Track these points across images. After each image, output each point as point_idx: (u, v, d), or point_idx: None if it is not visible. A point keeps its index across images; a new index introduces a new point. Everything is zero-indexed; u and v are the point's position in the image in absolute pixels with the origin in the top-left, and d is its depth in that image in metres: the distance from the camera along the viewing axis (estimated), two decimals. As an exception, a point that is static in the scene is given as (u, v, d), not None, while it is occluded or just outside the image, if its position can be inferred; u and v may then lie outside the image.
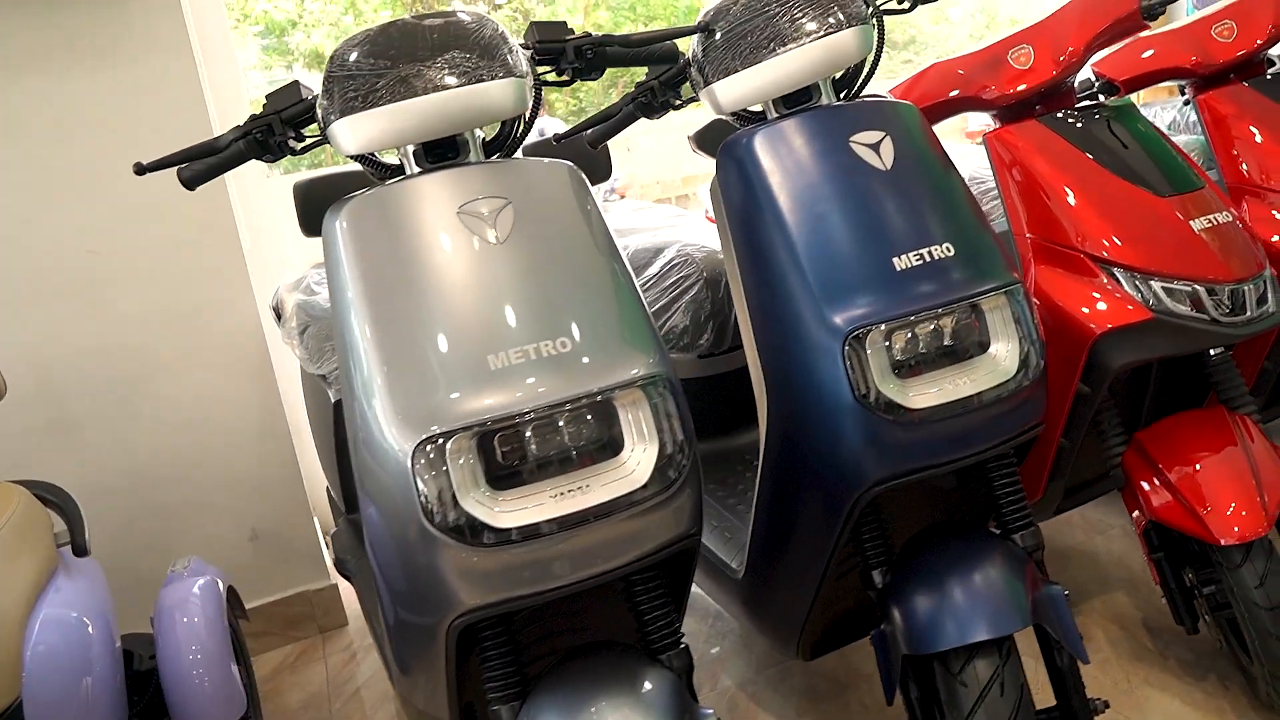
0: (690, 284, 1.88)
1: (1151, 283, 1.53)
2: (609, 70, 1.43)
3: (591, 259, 1.19)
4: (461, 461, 1.04)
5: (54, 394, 2.06)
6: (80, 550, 1.70)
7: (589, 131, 1.64)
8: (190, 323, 2.16)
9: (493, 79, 1.18)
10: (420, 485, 1.03)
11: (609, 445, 1.10)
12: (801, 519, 1.38)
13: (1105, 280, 1.55)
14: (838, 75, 1.43)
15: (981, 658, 1.17)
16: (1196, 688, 1.67)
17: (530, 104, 1.28)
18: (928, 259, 1.25)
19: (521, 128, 1.35)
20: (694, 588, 1.47)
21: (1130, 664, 1.76)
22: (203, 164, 1.33)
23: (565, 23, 1.36)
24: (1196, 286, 1.52)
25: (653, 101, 1.52)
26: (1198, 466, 1.50)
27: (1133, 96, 2.09)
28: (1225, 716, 1.60)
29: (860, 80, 1.45)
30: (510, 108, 1.20)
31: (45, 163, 2.02)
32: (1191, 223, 1.56)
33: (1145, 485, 1.55)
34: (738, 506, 1.91)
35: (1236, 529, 1.40)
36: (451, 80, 1.17)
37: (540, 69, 1.38)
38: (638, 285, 1.25)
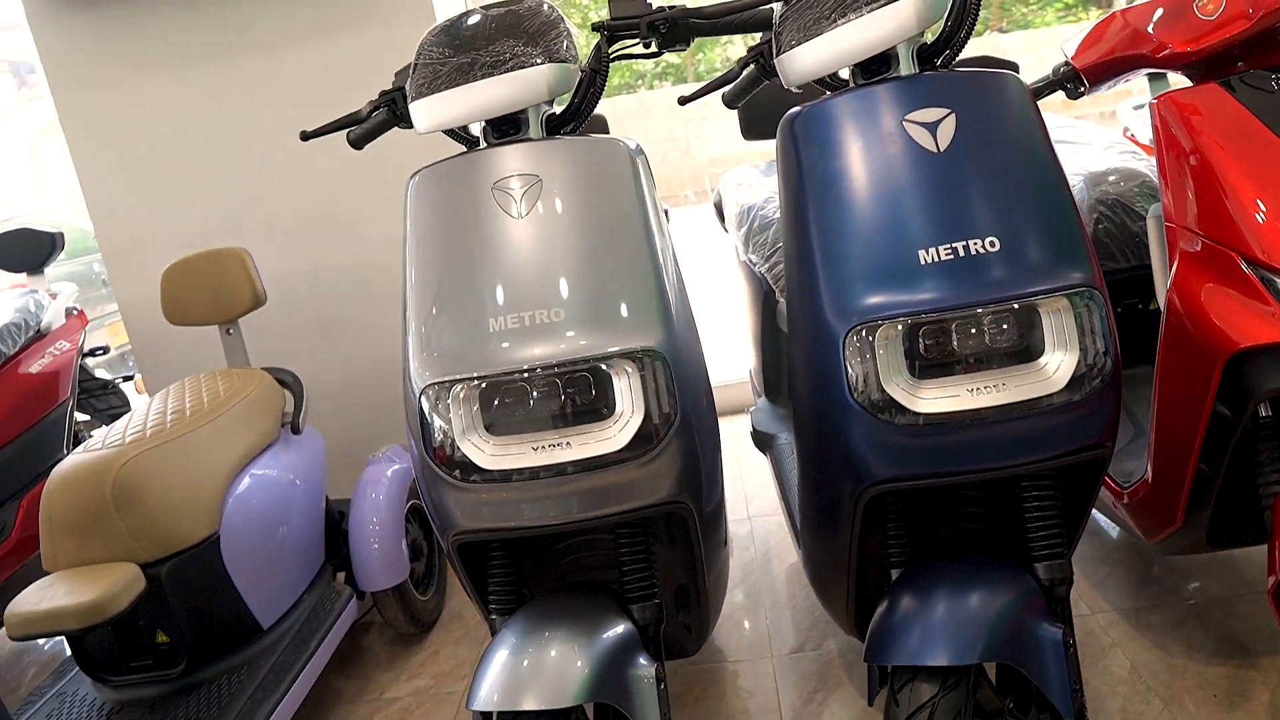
0: None
1: None
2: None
3: (623, 233, 1.28)
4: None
5: (318, 300, 2.54)
6: (295, 429, 2.12)
7: (723, 92, 1.68)
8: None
9: (531, 65, 1.30)
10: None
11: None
12: (823, 508, 1.37)
13: (1260, 287, 1.30)
14: (925, 41, 1.33)
15: (925, 681, 1.12)
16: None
17: (579, 83, 1.39)
18: (961, 253, 1.15)
19: (584, 102, 1.44)
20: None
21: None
22: (360, 129, 1.58)
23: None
24: None
25: (767, 63, 1.52)
26: None
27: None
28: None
29: (952, 46, 1.34)
30: (546, 91, 1.30)
31: (318, 113, 2.45)
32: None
33: None
34: None
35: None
36: (498, 67, 1.30)
37: (625, 43, 1.46)
38: (665, 259, 1.31)
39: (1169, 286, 1.42)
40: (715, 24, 1.44)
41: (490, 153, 1.30)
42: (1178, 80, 1.61)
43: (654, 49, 1.48)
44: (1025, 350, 1.17)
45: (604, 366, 1.20)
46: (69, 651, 2.06)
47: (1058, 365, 1.16)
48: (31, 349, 2.52)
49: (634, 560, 1.31)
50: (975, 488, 1.39)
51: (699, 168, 12.39)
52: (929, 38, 1.34)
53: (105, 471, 1.70)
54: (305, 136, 1.60)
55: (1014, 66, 1.94)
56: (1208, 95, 1.40)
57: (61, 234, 2.74)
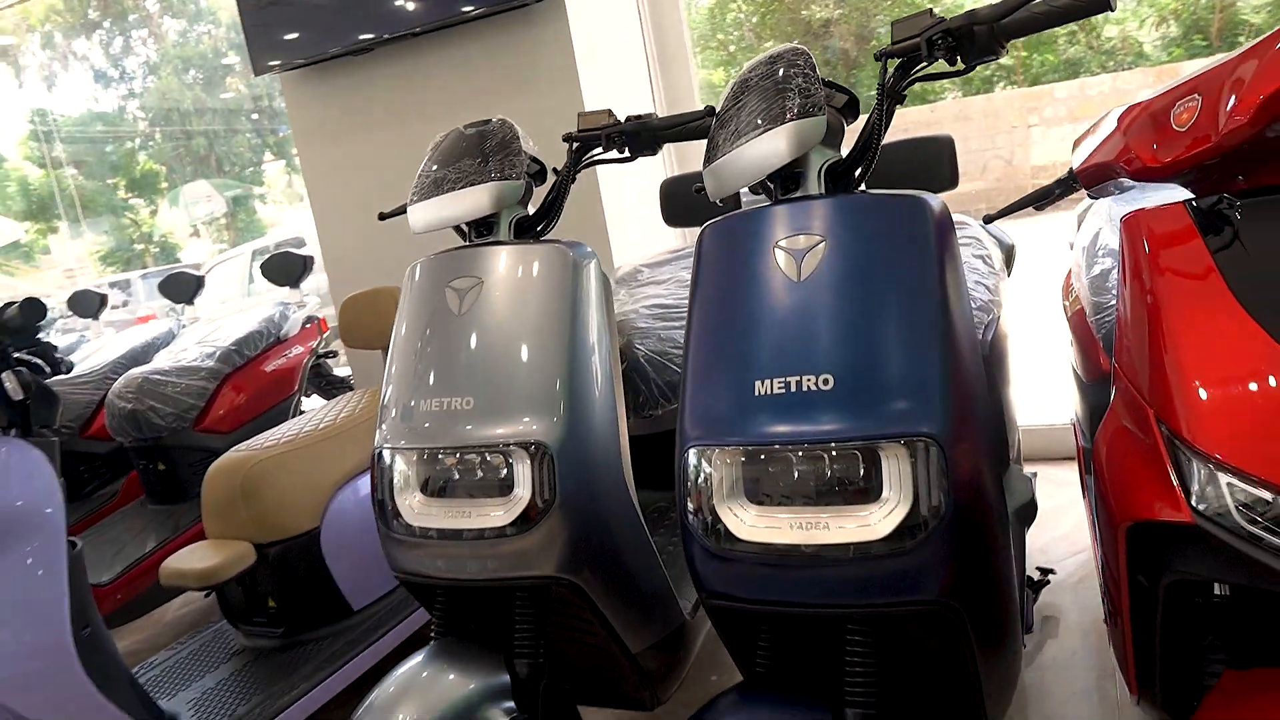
0: None
1: (1221, 477, 1.07)
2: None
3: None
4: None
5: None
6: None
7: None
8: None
9: (481, 183, 1.51)
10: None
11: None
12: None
13: (1168, 453, 1.13)
14: (839, 158, 1.29)
15: None
16: None
17: (555, 184, 1.57)
18: (793, 388, 1.16)
19: (557, 201, 1.62)
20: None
21: None
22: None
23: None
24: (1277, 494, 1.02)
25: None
26: None
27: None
28: None
29: (865, 164, 1.29)
30: (490, 205, 1.51)
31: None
32: (1313, 397, 1.08)
33: None
34: None
35: None
36: (457, 183, 1.53)
37: (596, 150, 1.62)
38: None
39: (1101, 428, 1.33)
40: (665, 134, 1.56)
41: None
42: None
43: (626, 154, 1.63)
44: (869, 491, 1.15)
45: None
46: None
47: (887, 513, 1.13)
48: (271, 351, 3.15)
49: (526, 624, 1.49)
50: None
51: (1022, 177, 11.59)
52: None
53: (240, 468, 2.17)
54: (383, 217, 1.92)
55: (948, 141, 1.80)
56: (1167, 219, 1.25)
57: (312, 257, 3.37)
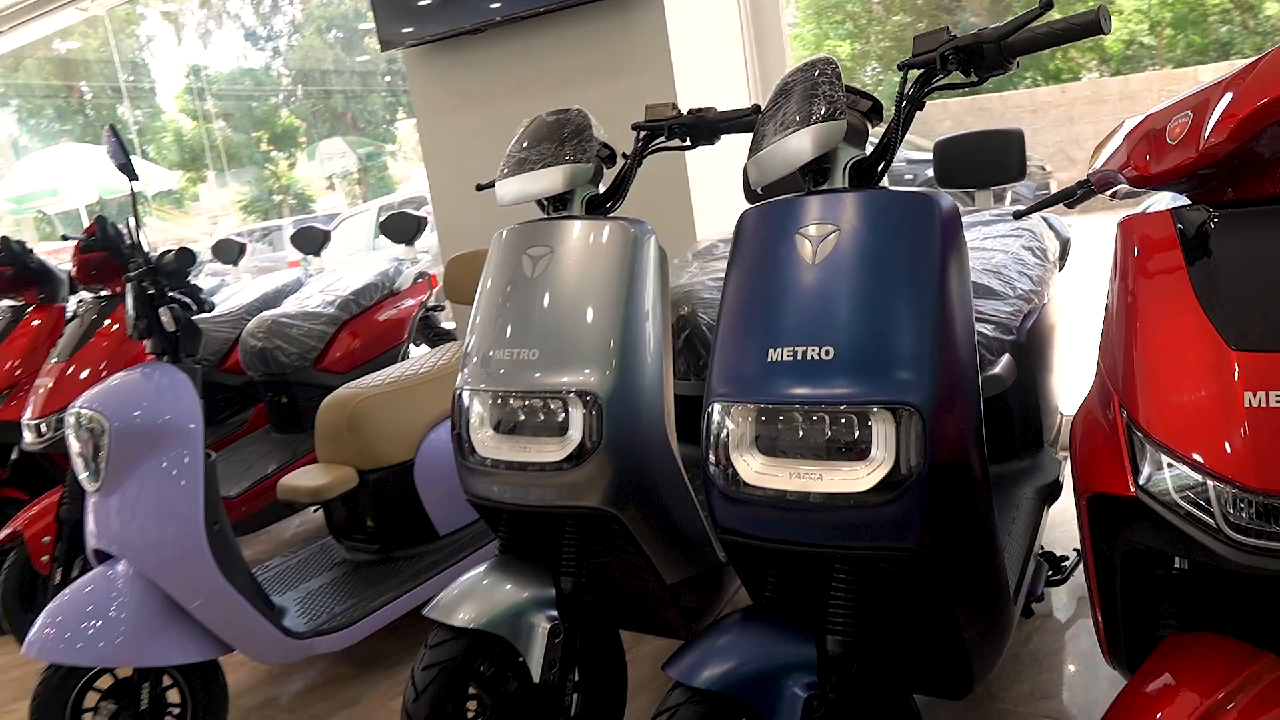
0: None
1: (1164, 459, 1.21)
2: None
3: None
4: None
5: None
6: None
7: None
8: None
9: (556, 164, 1.73)
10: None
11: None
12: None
13: (1124, 436, 1.26)
14: (863, 155, 1.46)
15: (693, 700, 1.38)
16: None
17: (622, 169, 1.78)
18: (799, 357, 1.35)
19: (623, 184, 1.83)
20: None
21: None
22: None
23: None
24: (1209, 480, 1.16)
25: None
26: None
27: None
28: None
29: (886, 161, 1.45)
30: (562, 184, 1.73)
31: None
32: (1250, 394, 1.20)
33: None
34: None
35: None
36: (536, 164, 1.76)
37: (661, 139, 1.82)
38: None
39: (1078, 409, 1.47)
40: (720, 127, 1.76)
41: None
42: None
43: (688, 143, 1.83)
44: (860, 450, 1.33)
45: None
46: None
47: (872, 469, 1.31)
48: (385, 302, 3.47)
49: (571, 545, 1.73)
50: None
51: (1151, 164, 11.05)
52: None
53: (349, 403, 2.48)
54: (479, 188, 2.17)
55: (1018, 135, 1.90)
56: (1154, 225, 1.36)
57: (426, 218, 3.68)
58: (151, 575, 2.00)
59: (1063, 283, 2.40)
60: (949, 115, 11.77)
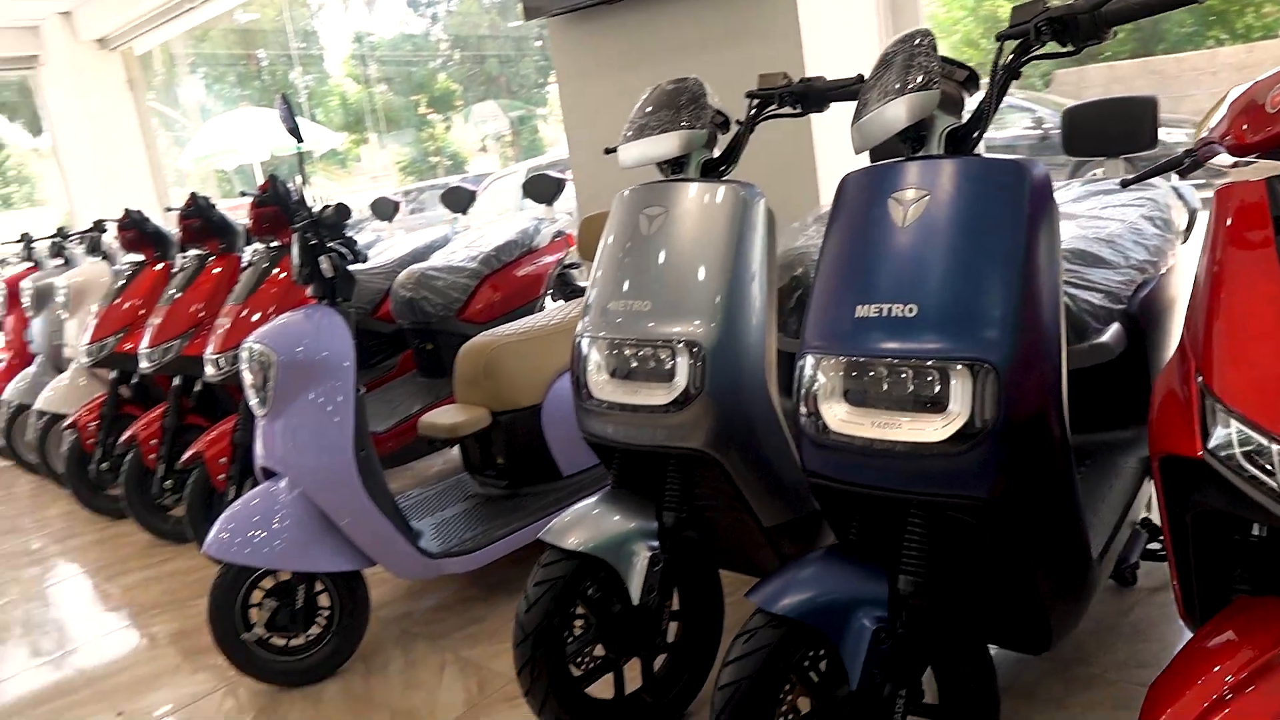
0: None
1: (1232, 422, 1.23)
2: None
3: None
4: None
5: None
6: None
7: None
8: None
9: (673, 130, 1.85)
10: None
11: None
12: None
13: (1197, 399, 1.28)
14: (959, 123, 1.52)
15: (770, 624, 1.51)
16: None
17: (735, 135, 1.88)
18: (885, 313, 1.44)
19: (736, 149, 1.94)
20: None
21: None
22: None
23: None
24: (1273, 443, 1.18)
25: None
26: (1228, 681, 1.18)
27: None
28: None
29: (980, 129, 1.51)
30: (677, 149, 1.85)
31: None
32: (1333, 362, 1.23)
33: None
34: None
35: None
36: (654, 130, 1.89)
37: (772, 107, 1.92)
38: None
39: (1160, 373, 1.49)
40: (828, 95, 1.84)
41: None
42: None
43: (799, 110, 1.92)
44: (939, 403, 1.41)
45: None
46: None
47: (948, 421, 1.40)
48: (524, 259, 3.69)
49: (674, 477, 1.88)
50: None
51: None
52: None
53: (486, 349, 2.69)
54: (607, 151, 2.31)
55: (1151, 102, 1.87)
56: (1247, 193, 1.36)
57: (565, 180, 3.86)
58: (309, 492, 2.27)
59: (1188, 254, 2.36)
60: (1117, 79, 11.15)
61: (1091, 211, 2.24)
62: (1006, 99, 1.56)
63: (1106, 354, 1.96)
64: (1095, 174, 2.54)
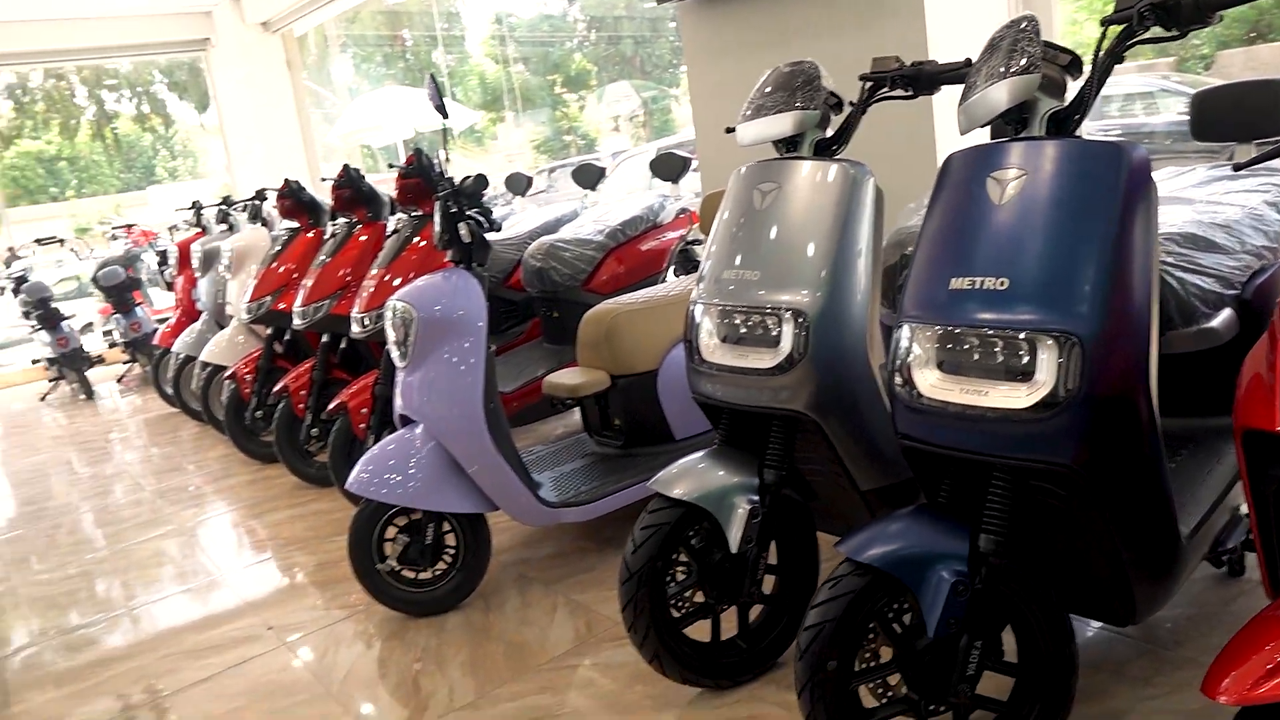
0: None
1: None
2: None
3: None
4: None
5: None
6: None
7: None
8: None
9: (787, 111, 1.96)
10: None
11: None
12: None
13: (1278, 370, 1.30)
14: (1061, 106, 1.58)
15: (854, 574, 1.63)
16: None
17: (848, 116, 1.98)
18: (977, 286, 1.53)
19: (848, 129, 2.02)
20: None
21: None
22: None
23: None
24: None
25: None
26: None
27: None
28: None
29: (1081, 111, 1.56)
30: (791, 128, 1.95)
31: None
32: None
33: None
34: None
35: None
36: (770, 110, 1.99)
37: (883, 89, 1.99)
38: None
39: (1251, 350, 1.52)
40: (938, 78, 1.91)
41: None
42: None
43: (910, 93, 1.99)
44: (1027, 373, 1.48)
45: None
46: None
47: (1033, 389, 1.47)
48: (649, 234, 3.84)
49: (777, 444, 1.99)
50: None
51: None
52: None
53: (607, 315, 2.86)
54: (728, 130, 2.43)
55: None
56: None
57: (691, 158, 3.99)
58: (441, 439, 2.49)
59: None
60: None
61: (1212, 196, 2.23)
62: (1159, 82, 1.61)
63: (1214, 339, 1.97)
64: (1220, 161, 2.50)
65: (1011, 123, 1.62)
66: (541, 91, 20.02)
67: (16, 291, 6.91)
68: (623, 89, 18.98)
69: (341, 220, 4.03)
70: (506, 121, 19.96)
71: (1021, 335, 1.48)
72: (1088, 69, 1.57)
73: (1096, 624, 2.17)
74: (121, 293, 6.77)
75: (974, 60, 1.70)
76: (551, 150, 19.21)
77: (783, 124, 1.97)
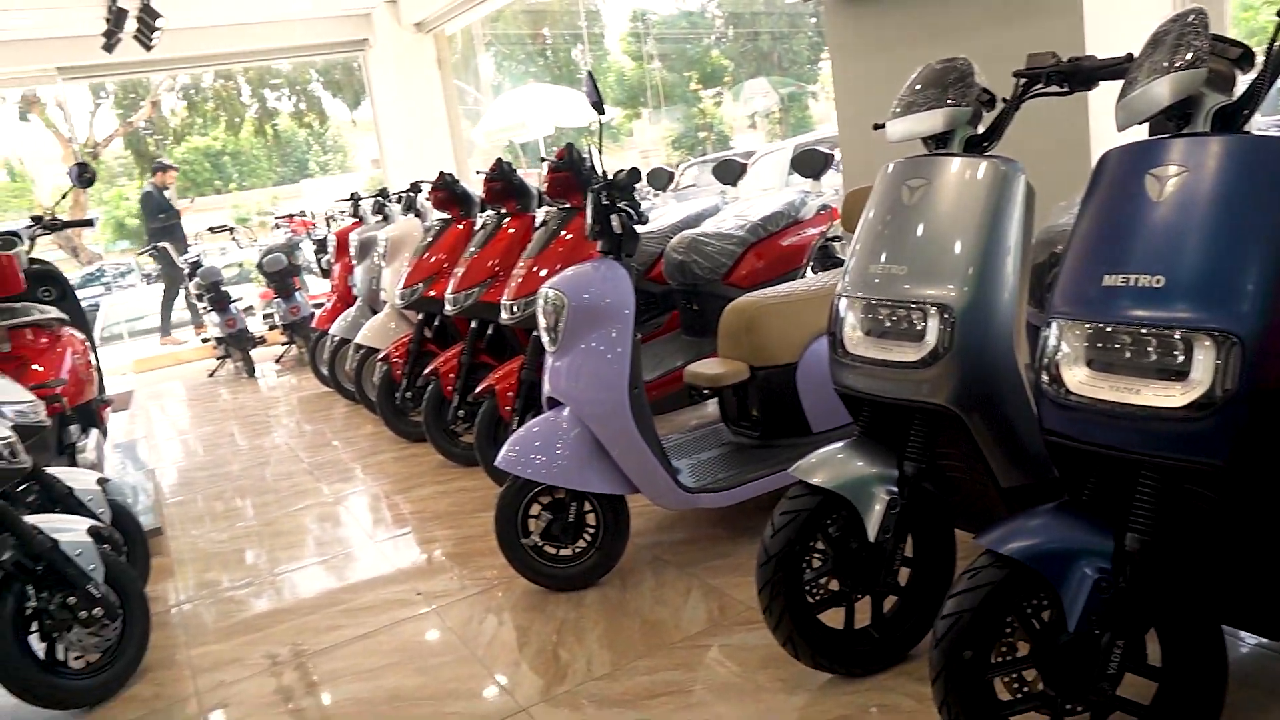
0: None
1: None
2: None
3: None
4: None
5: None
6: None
7: None
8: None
9: (939, 107, 1.97)
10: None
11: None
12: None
13: None
14: (1229, 101, 1.54)
15: (993, 566, 1.63)
16: None
17: (1001, 112, 1.98)
18: (1132, 283, 1.51)
19: (1000, 126, 2.01)
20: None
21: None
22: None
23: None
24: None
25: None
26: None
27: None
28: None
29: (1250, 107, 1.53)
30: (941, 125, 1.96)
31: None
32: None
33: None
34: None
35: None
36: (922, 107, 2.01)
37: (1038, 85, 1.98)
38: None
39: None
40: (1096, 74, 1.88)
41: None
42: None
43: (1066, 89, 1.98)
44: (1181, 372, 1.46)
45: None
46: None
47: (1188, 388, 1.45)
48: (789, 229, 3.87)
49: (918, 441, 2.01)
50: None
51: None
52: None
53: (748, 308, 2.92)
54: (876, 127, 2.45)
55: None
56: None
57: (833, 155, 4.00)
58: (586, 421, 2.60)
59: None
60: None
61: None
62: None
63: None
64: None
65: (1173, 119, 1.60)
66: (678, 88, 20.15)
67: (191, 275, 7.47)
68: (760, 85, 18.92)
69: (491, 212, 4.21)
70: (642, 118, 20.18)
71: (1177, 334, 1.47)
72: (1260, 62, 1.54)
73: (1253, 639, 2.10)
74: (283, 278, 7.24)
75: (1135, 55, 1.68)
76: (687, 146, 19.32)
77: (934, 121, 1.99)
